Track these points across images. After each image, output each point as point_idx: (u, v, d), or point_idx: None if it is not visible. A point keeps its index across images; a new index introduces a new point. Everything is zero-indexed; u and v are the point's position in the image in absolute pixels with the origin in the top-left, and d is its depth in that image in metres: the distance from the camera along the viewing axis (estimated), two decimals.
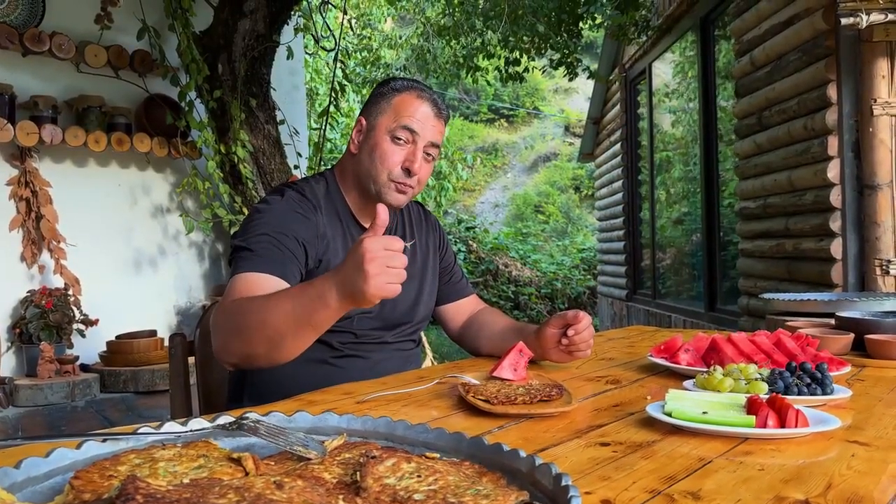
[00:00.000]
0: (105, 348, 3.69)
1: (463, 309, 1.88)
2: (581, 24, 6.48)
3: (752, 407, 1.02)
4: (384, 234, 1.55)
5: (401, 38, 9.41)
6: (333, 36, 4.92)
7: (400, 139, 1.55)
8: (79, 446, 0.75)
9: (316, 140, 5.03)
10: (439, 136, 1.60)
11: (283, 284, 1.39)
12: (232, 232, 3.98)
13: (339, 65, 4.84)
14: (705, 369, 1.33)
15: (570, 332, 1.51)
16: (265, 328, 1.24)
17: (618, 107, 8.23)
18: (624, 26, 6.11)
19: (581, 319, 1.51)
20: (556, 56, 6.58)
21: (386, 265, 1.14)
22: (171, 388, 1.68)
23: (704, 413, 1.01)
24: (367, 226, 1.61)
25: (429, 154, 1.59)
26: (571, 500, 0.62)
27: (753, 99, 4.51)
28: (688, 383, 1.26)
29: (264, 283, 1.38)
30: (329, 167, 1.70)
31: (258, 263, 1.40)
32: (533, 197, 15.38)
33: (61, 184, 3.71)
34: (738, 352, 1.44)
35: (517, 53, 6.69)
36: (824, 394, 1.18)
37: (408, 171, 1.55)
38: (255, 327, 1.25)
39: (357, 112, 10.04)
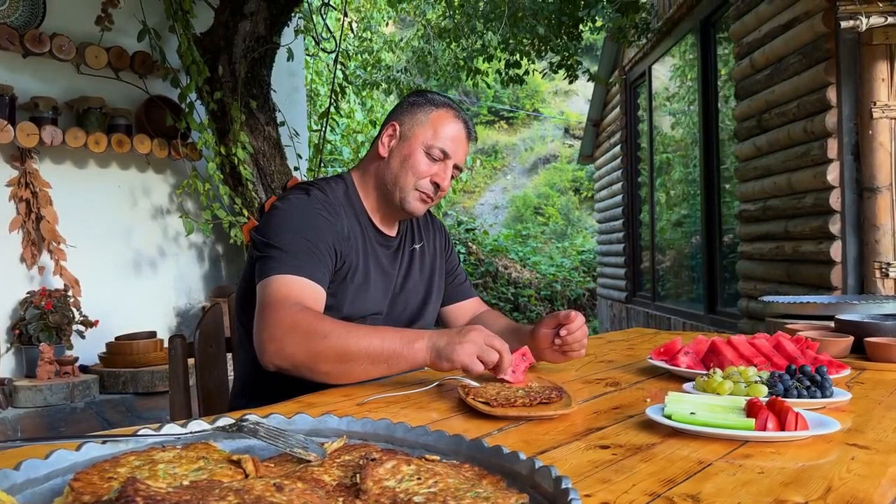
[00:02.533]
0: (104, 349, 3.69)
1: (465, 310, 1.90)
2: (581, 27, 6.48)
3: (751, 410, 1.02)
4: (398, 238, 1.71)
5: (401, 40, 9.42)
6: (334, 38, 4.92)
7: (434, 156, 1.60)
8: (78, 448, 0.75)
9: (316, 142, 5.03)
10: (465, 156, 1.68)
11: (321, 291, 1.44)
12: (232, 234, 3.98)
13: (339, 66, 4.84)
14: (705, 372, 1.33)
15: (563, 332, 1.53)
16: (343, 353, 1.30)
17: (618, 109, 8.24)
18: (624, 29, 6.11)
19: (573, 319, 1.53)
20: (557, 58, 6.59)
21: (486, 342, 1.29)
22: (171, 390, 1.68)
23: (692, 414, 1.01)
24: (383, 230, 1.67)
25: (455, 174, 1.66)
26: (571, 503, 0.62)
27: (753, 101, 4.51)
28: (687, 386, 1.26)
29: (306, 288, 1.41)
30: (346, 170, 1.74)
31: (296, 266, 1.41)
32: (532, 199, 15.38)
33: (61, 185, 3.71)
34: (737, 354, 1.44)
35: (517, 56, 6.69)
36: (824, 397, 1.18)
37: (437, 186, 1.61)
38: (333, 351, 1.30)
39: (357, 114, 10.04)
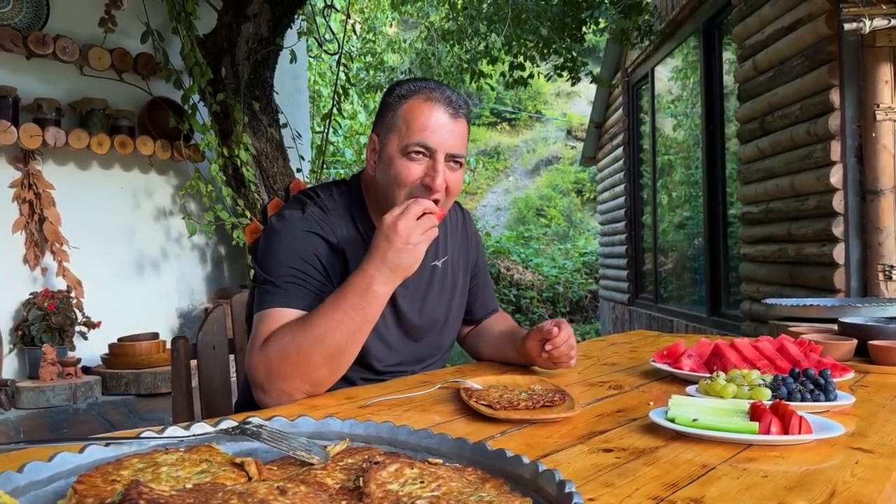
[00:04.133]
0: (107, 351, 3.69)
1: (489, 328, 1.81)
2: (584, 29, 6.49)
3: (755, 413, 1.02)
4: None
5: (405, 42, 9.43)
6: (337, 39, 4.93)
7: (415, 155, 1.40)
8: (82, 450, 0.75)
9: (319, 143, 5.04)
10: (459, 140, 1.43)
11: None
12: (234, 235, 3.98)
13: (342, 68, 4.85)
14: (708, 375, 1.33)
15: (548, 346, 1.47)
16: (322, 346, 1.26)
17: (620, 111, 8.24)
18: (627, 31, 6.12)
19: (556, 334, 1.45)
20: (560, 61, 6.59)
21: (412, 216, 1.27)
22: (173, 391, 1.68)
23: (695, 420, 1.01)
24: None
25: (455, 162, 1.43)
26: None
27: (756, 104, 4.51)
28: (691, 389, 1.26)
29: (294, 316, 1.34)
30: (353, 175, 1.61)
31: (283, 298, 1.35)
32: (535, 200, 15.37)
33: (64, 186, 3.72)
34: (741, 357, 1.44)
35: (521, 58, 6.69)
36: (827, 400, 1.17)
37: (428, 188, 1.40)
38: (311, 352, 1.26)
39: (360, 115, 10.05)
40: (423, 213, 1.29)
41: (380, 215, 1.48)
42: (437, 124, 1.40)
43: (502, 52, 6.96)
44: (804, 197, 3.99)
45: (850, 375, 1.40)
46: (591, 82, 7.31)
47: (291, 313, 1.34)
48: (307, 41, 4.97)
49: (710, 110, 5.70)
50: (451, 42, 7.47)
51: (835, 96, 3.68)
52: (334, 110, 4.78)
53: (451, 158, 1.42)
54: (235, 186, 4.07)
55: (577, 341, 1.57)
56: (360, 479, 0.69)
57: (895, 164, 3.56)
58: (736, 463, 0.91)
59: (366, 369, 1.50)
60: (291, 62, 4.37)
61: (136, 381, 3.55)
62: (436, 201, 1.40)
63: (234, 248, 4.27)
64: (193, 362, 1.69)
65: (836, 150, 3.69)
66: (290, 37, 4.36)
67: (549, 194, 15.52)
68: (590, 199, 14.72)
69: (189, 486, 0.66)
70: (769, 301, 2.42)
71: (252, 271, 1.48)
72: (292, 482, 0.67)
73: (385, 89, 1.58)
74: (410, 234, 1.27)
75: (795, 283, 4.10)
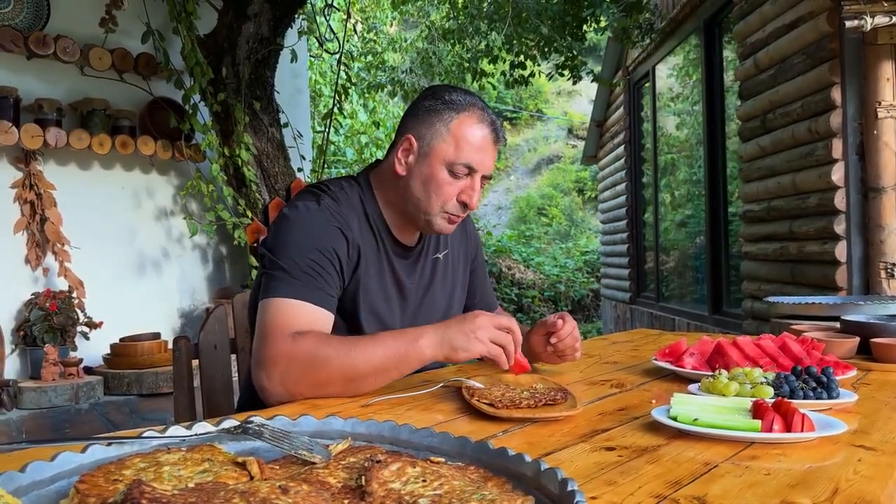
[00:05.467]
0: (109, 351, 3.69)
1: None
2: (585, 27, 6.49)
3: (757, 411, 1.02)
4: (418, 248, 1.60)
5: (406, 41, 9.42)
6: (337, 39, 4.93)
7: (458, 174, 1.44)
8: (84, 450, 0.75)
9: (319, 143, 5.04)
10: (494, 163, 1.50)
11: (325, 315, 1.36)
12: (235, 235, 3.98)
13: (342, 68, 4.85)
14: (710, 373, 1.32)
15: (553, 340, 1.49)
16: (348, 376, 1.27)
17: (621, 109, 8.23)
18: (628, 29, 6.11)
19: (561, 327, 1.47)
20: (561, 60, 6.59)
21: (496, 324, 1.28)
22: (175, 391, 1.68)
23: (695, 420, 1.01)
24: (403, 241, 1.55)
25: (484, 184, 1.50)
26: None
27: (757, 102, 4.50)
28: (693, 387, 1.26)
29: (306, 312, 1.33)
30: (361, 171, 1.61)
31: (299, 289, 1.34)
32: (536, 199, 15.37)
33: (65, 186, 3.72)
34: (743, 355, 1.44)
35: (521, 57, 6.70)
36: (830, 398, 1.17)
37: (464, 205, 1.46)
38: (338, 377, 1.27)
39: (360, 115, 10.04)
40: (501, 348, 1.29)
41: (397, 214, 1.52)
42: (485, 147, 1.45)
43: (503, 50, 6.96)
44: (806, 195, 3.98)
45: (853, 373, 1.39)
46: (592, 81, 7.31)
47: (304, 306, 1.33)
48: (308, 40, 4.97)
49: (712, 108, 5.69)
50: (452, 41, 7.48)
51: (836, 94, 3.68)
52: (335, 110, 4.78)
53: (485, 178, 1.49)
54: (236, 186, 4.07)
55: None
56: (363, 477, 0.69)
57: None
58: (738, 461, 0.91)
59: None
60: (292, 62, 4.37)
61: (138, 381, 3.55)
62: (459, 217, 1.50)
63: (236, 248, 4.27)
64: (195, 362, 1.70)
65: (837, 147, 3.69)
66: (291, 36, 4.36)
67: (551, 193, 15.52)
68: (591, 197, 14.72)
69: (191, 485, 0.66)
70: (771, 299, 2.42)
71: (253, 270, 1.47)
72: (294, 481, 0.67)
73: (425, 90, 1.55)
74: (482, 330, 1.27)
75: (797, 282, 4.10)
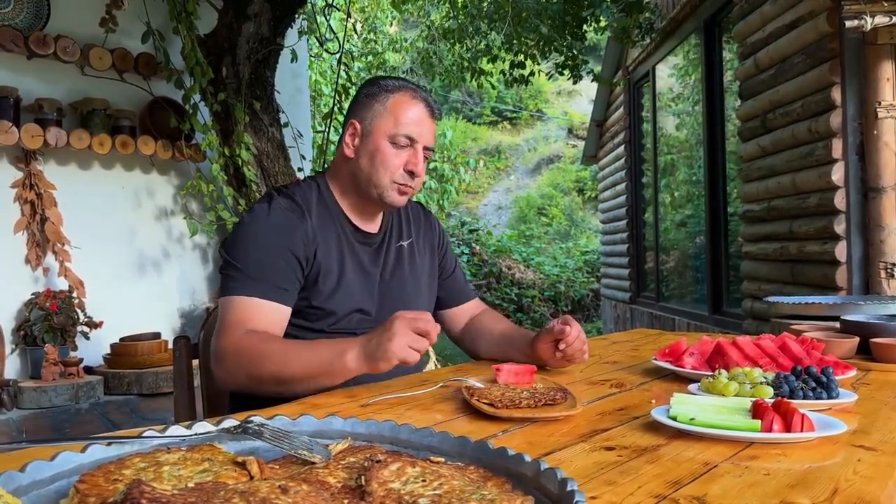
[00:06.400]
0: (109, 350, 3.69)
1: (464, 313, 1.88)
2: (585, 27, 6.48)
3: (757, 411, 1.02)
4: (381, 235, 1.67)
5: (406, 41, 9.43)
6: (337, 39, 4.93)
7: (400, 144, 1.56)
8: (84, 450, 0.75)
9: (320, 143, 5.04)
10: (433, 136, 1.63)
11: (278, 309, 1.46)
12: None
13: (342, 67, 4.85)
14: (710, 373, 1.32)
15: (562, 346, 1.52)
16: (280, 376, 1.33)
17: (621, 109, 8.23)
18: (628, 29, 6.11)
19: (568, 333, 1.51)
20: (561, 59, 6.59)
21: (412, 328, 1.24)
22: (175, 391, 1.68)
23: (692, 419, 1.01)
24: (363, 228, 1.64)
25: (427, 152, 1.60)
26: None
27: (757, 102, 4.50)
28: (692, 387, 1.26)
29: (261, 309, 1.43)
30: (320, 171, 1.74)
31: (253, 287, 1.44)
32: (536, 199, 15.37)
33: (66, 186, 3.72)
34: (742, 355, 1.44)
35: (521, 56, 6.69)
36: (829, 398, 1.17)
37: (411, 174, 1.57)
38: (271, 375, 1.34)
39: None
40: (424, 319, 1.27)
41: (354, 199, 1.62)
42: (422, 119, 1.58)
43: (503, 50, 6.96)
44: (806, 195, 3.98)
45: (853, 373, 1.39)
46: (592, 81, 7.31)
47: (258, 303, 1.43)
48: (308, 40, 4.97)
49: (712, 108, 5.69)
50: (452, 41, 7.47)
51: (836, 94, 3.68)
52: (335, 109, 4.78)
53: (427, 150, 1.60)
54: (237, 186, 4.07)
55: None
56: (362, 477, 0.69)
57: None
58: (738, 461, 0.91)
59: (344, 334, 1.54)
60: (292, 61, 4.37)
61: (138, 381, 3.55)
62: (410, 189, 1.59)
63: None
64: (195, 362, 1.70)
65: (837, 147, 3.69)
66: (291, 36, 4.35)
67: (551, 193, 15.52)
68: (591, 197, 14.72)
69: (191, 485, 0.66)
70: (771, 299, 2.42)
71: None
72: (294, 481, 0.67)
73: (364, 82, 1.68)
74: (397, 337, 1.23)
75: (797, 281, 4.10)
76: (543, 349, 1.56)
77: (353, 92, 6.30)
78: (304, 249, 1.51)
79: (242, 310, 1.42)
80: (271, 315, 1.44)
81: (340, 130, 1.71)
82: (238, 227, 1.53)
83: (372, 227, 1.66)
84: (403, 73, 8.59)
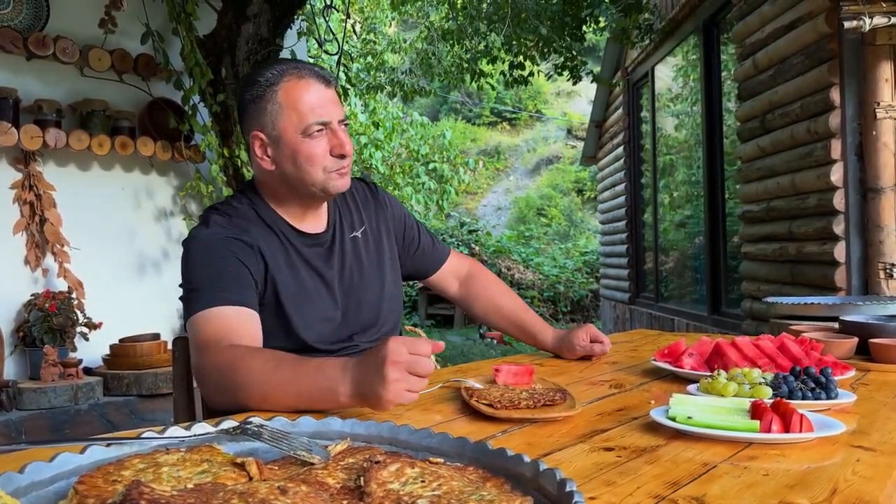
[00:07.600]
0: (108, 351, 3.69)
1: (449, 270, 1.85)
2: (584, 28, 6.49)
3: (756, 411, 1.02)
4: (329, 233, 1.57)
5: (405, 41, 9.42)
6: (336, 40, 4.93)
7: (316, 133, 1.45)
8: (83, 451, 0.75)
9: None
10: (340, 105, 1.50)
11: (247, 313, 1.36)
12: None
13: (341, 68, 4.85)
14: (709, 373, 1.32)
15: (598, 347, 1.72)
16: (265, 401, 1.20)
17: (620, 110, 8.24)
18: (627, 29, 6.11)
19: (599, 352, 1.73)
20: (560, 60, 6.59)
21: (408, 370, 1.07)
22: (174, 392, 1.68)
23: (689, 418, 1.01)
24: (307, 230, 1.54)
25: (345, 125, 1.50)
26: None
27: (756, 102, 4.50)
28: (692, 387, 1.26)
29: (228, 316, 1.34)
30: (246, 186, 1.62)
31: (210, 298, 1.35)
32: (535, 200, 15.38)
33: (65, 187, 3.72)
34: (741, 356, 1.44)
35: (521, 57, 6.70)
36: (828, 398, 1.17)
37: (340, 156, 1.47)
38: (256, 399, 1.20)
39: (358, 116, 10.04)
40: (419, 357, 1.10)
41: (293, 205, 1.52)
42: (321, 97, 1.45)
43: (502, 51, 6.96)
44: (805, 195, 3.99)
45: (851, 373, 1.40)
46: (591, 81, 7.32)
47: (222, 310, 1.34)
48: (307, 41, 4.97)
49: (711, 109, 5.69)
50: (452, 42, 7.47)
51: (835, 94, 3.68)
52: None
53: (342, 122, 1.48)
54: (236, 187, 4.07)
55: None
56: (362, 478, 0.69)
57: None
58: (737, 461, 0.91)
59: (319, 344, 1.49)
60: None
61: (138, 382, 3.55)
62: (346, 168, 1.48)
63: None
64: None
65: (836, 148, 3.69)
66: (290, 37, 4.35)
67: (550, 194, 15.54)
68: (590, 198, 14.73)
69: (190, 486, 0.66)
70: (770, 299, 2.42)
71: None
72: (293, 482, 0.67)
73: (240, 87, 1.55)
74: (397, 363, 1.07)
75: (796, 282, 4.10)
76: (581, 339, 1.73)
77: (352, 93, 6.30)
78: (250, 258, 1.43)
79: (206, 323, 1.34)
80: (236, 319, 1.35)
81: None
82: (184, 255, 1.46)
83: (317, 226, 1.57)
84: (402, 73, 8.58)
